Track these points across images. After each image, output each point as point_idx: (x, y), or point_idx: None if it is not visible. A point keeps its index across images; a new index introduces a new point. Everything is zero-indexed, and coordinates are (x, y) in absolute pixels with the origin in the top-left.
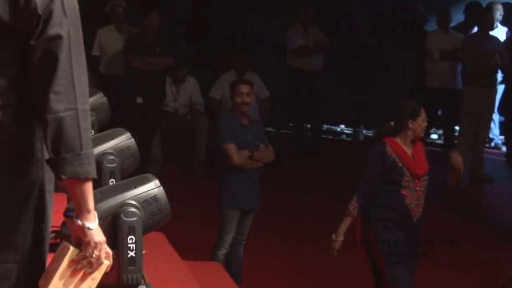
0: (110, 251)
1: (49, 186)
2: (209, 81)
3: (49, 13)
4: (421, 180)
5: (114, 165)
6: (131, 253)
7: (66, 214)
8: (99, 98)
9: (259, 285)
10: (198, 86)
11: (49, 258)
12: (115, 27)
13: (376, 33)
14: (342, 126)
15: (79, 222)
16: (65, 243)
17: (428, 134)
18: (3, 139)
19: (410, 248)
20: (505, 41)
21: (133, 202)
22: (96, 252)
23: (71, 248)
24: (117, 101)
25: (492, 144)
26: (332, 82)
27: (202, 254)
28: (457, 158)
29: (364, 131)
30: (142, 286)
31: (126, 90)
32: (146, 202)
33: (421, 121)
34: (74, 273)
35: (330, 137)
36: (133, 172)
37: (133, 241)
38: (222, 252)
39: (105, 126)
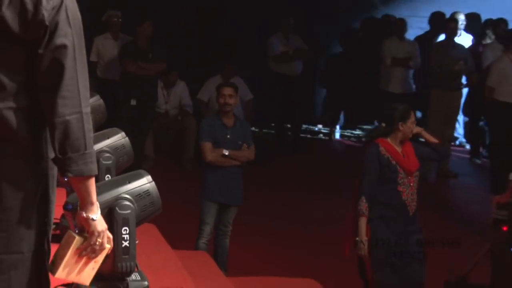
0: (110, 236)
1: (52, 182)
2: (198, 84)
3: (55, 24)
4: (414, 176)
5: (110, 162)
6: (125, 243)
7: (65, 207)
8: (96, 100)
9: (244, 273)
10: (188, 89)
11: (53, 248)
12: (111, 35)
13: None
14: (320, 126)
15: (84, 214)
16: (70, 232)
17: None
18: (16, 140)
19: (410, 247)
20: (470, 47)
21: (127, 196)
22: (99, 240)
23: (77, 237)
24: (113, 103)
25: (457, 142)
26: (310, 86)
27: (190, 244)
28: (426, 134)
29: (340, 131)
30: (135, 274)
31: (121, 93)
32: (139, 196)
33: (410, 124)
34: (79, 259)
35: (309, 136)
36: (127, 168)
37: (127, 232)
38: (202, 241)
39: (102, 126)
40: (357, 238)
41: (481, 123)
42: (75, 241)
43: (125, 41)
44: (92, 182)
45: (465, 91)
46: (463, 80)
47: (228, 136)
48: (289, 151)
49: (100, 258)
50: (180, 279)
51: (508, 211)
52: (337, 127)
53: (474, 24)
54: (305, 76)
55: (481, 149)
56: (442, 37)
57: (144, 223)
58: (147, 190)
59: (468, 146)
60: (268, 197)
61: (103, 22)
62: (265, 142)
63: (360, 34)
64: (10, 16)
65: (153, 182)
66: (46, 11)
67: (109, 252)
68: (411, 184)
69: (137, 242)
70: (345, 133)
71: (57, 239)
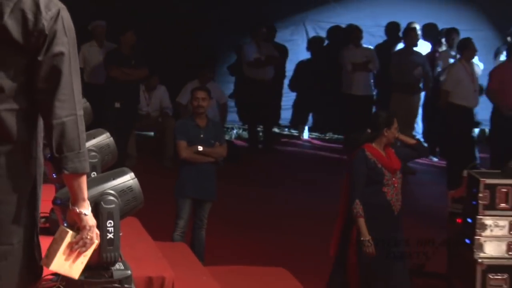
0: (98, 232)
1: (39, 180)
2: (177, 88)
3: (53, 33)
4: (397, 178)
5: (96, 160)
6: (110, 235)
7: (54, 202)
8: (83, 103)
9: (220, 263)
10: (168, 93)
11: (41, 240)
12: (96, 43)
13: (315, 50)
14: (289, 127)
15: (77, 210)
16: (63, 227)
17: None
18: (12, 140)
19: (396, 242)
20: (427, 54)
21: (111, 191)
22: (90, 234)
23: (70, 232)
24: (98, 106)
25: None
26: (280, 90)
27: (170, 236)
28: (403, 137)
29: (308, 132)
30: (119, 263)
31: (106, 96)
32: (123, 192)
33: (394, 129)
34: (71, 252)
35: (279, 136)
36: (112, 166)
37: (112, 225)
38: (177, 233)
39: (88, 127)
40: (362, 238)
41: (437, 124)
42: (68, 235)
43: (110, 49)
44: (84, 179)
45: (422, 94)
46: (421, 84)
47: (202, 136)
48: (261, 150)
49: (89, 252)
50: (161, 268)
51: (462, 205)
52: (306, 127)
53: (432, 33)
54: (276, 81)
55: (437, 148)
56: (400, 45)
57: (127, 216)
58: (130, 186)
59: (425, 145)
60: (242, 192)
61: (89, 31)
62: (239, 141)
63: (326, 42)
64: (12, 25)
65: (136, 179)
66: (45, 20)
67: (96, 247)
68: (395, 185)
69: (120, 234)
70: (313, 133)
71: (46, 232)
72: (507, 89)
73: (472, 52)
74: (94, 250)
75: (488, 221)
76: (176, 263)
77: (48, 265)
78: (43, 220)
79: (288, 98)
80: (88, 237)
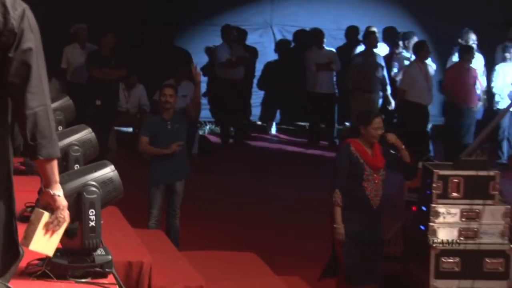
0: (68, 212)
1: (12, 167)
2: (154, 87)
3: (21, 31)
4: (379, 175)
5: (78, 153)
6: (92, 223)
7: (39, 192)
8: (66, 101)
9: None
10: (146, 91)
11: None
12: (78, 45)
13: (282, 51)
14: (259, 123)
15: (50, 192)
16: (38, 209)
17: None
18: None
19: (372, 234)
20: (385, 56)
21: (93, 183)
22: (63, 213)
23: (45, 213)
24: (80, 103)
25: None
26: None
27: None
28: (392, 137)
29: (276, 127)
30: (101, 249)
31: (88, 94)
32: (104, 183)
33: (371, 129)
34: (47, 232)
35: (249, 131)
36: (94, 159)
37: (93, 213)
38: (152, 222)
39: (71, 123)
40: (334, 225)
41: (395, 120)
42: (44, 216)
43: (91, 50)
44: (56, 163)
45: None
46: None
47: (169, 127)
48: (232, 144)
49: (61, 231)
50: (139, 254)
51: (417, 194)
52: (274, 123)
53: (390, 35)
54: (246, 80)
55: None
56: (361, 47)
57: (108, 206)
58: (111, 177)
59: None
60: (215, 183)
61: (71, 34)
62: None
63: (292, 44)
64: None
65: (116, 171)
66: (14, 20)
67: (66, 226)
68: (376, 181)
69: (102, 222)
70: (281, 128)
71: None
72: (461, 86)
73: (426, 53)
74: (77, 237)
75: (441, 209)
76: (154, 249)
77: (27, 245)
78: (29, 209)
79: (257, 96)
80: (62, 216)
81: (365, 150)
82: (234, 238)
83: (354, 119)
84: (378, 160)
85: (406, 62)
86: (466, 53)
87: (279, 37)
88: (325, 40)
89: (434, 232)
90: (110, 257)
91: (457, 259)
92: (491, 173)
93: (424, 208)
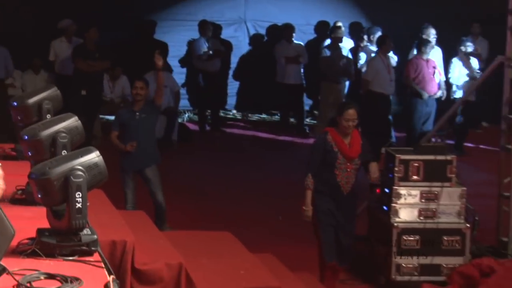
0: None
1: None
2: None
3: None
4: (353, 164)
5: (66, 140)
6: (78, 205)
7: (30, 176)
8: (54, 91)
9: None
10: (129, 82)
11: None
12: (65, 39)
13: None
14: (234, 111)
15: None
16: None
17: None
18: None
19: (344, 217)
20: (351, 49)
21: (80, 167)
22: (2, 181)
23: None
24: (67, 93)
25: None
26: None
27: None
28: (374, 168)
29: (250, 115)
30: (87, 229)
31: (74, 85)
32: (90, 167)
33: (343, 120)
34: None
35: (225, 119)
36: (80, 145)
37: (80, 196)
38: (128, 205)
39: (59, 111)
40: (303, 207)
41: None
42: None
43: (77, 44)
44: None
45: (347, 83)
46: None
47: (137, 118)
48: (209, 131)
49: None
50: (123, 233)
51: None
52: (247, 111)
53: (356, 30)
54: (222, 72)
55: (359, 129)
56: (328, 41)
57: (93, 188)
58: (96, 162)
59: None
60: (192, 166)
61: (59, 29)
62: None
63: (265, 38)
64: None
65: (101, 156)
66: None
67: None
68: (348, 170)
69: (88, 204)
70: (254, 116)
71: (23, 202)
72: (422, 76)
73: (388, 47)
74: (65, 218)
75: (403, 191)
76: (136, 228)
77: None
78: (19, 192)
79: (233, 86)
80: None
81: (341, 139)
82: (211, 218)
83: (321, 108)
84: (353, 151)
85: (373, 55)
86: (424, 46)
87: (252, 31)
88: (294, 34)
89: (396, 212)
90: (95, 236)
91: (417, 237)
92: (449, 157)
93: (387, 190)
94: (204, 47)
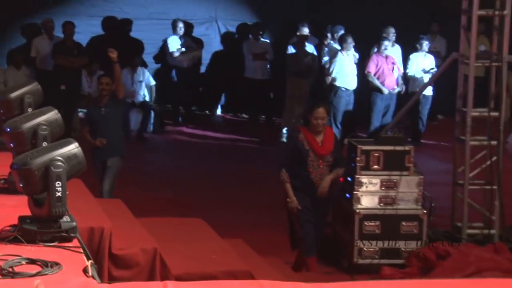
0: None
1: None
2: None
3: None
4: (325, 161)
5: (46, 132)
6: (58, 194)
7: (12, 167)
8: (35, 86)
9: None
10: None
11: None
12: (46, 36)
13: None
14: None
15: None
16: None
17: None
18: None
19: (318, 212)
20: (315, 46)
21: (59, 158)
22: None
23: None
24: (48, 88)
25: None
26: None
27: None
28: (326, 183)
29: (221, 108)
30: (66, 217)
31: (54, 80)
32: (69, 158)
33: (312, 118)
34: None
35: (197, 112)
36: (60, 137)
37: (60, 185)
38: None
39: (40, 105)
40: (287, 199)
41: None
42: None
43: (57, 41)
44: None
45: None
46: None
47: (103, 113)
48: (181, 123)
49: None
50: (100, 220)
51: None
52: (218, 105)
53: (319, 29)
54: (194, 68)
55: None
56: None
57: (72, 178)
58: (75, 153)
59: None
60: (165, 156)
61: (40, 27)
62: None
63: (235, 36)
64: None
65: (80, 148)
66: None
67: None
68: (320, 166)
69: (67, 193)
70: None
71: (5, 191)
72: (381, 72)
73: (350, 44)
74: (45, 206)
75: (364, 179)
76: (113, 216)
77: None
78: (2, 181)
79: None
80: None
81: (312, 137)
82: (184, 206)
83: (288, 102)
84: (324, 148)
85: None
86: (382, 44)
87: (223, 30)
88: (261, 32)
89: (358, 200)
90: (74, 223)
91: (377, 223)
92: (407, 148)
93: (349, 179)
94: (177, 44)
